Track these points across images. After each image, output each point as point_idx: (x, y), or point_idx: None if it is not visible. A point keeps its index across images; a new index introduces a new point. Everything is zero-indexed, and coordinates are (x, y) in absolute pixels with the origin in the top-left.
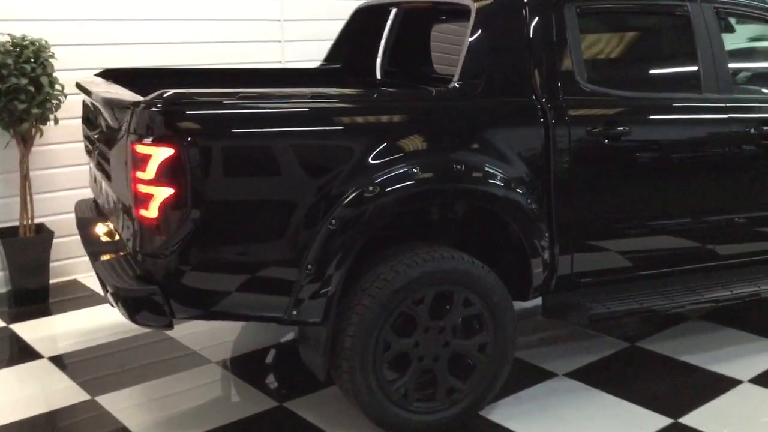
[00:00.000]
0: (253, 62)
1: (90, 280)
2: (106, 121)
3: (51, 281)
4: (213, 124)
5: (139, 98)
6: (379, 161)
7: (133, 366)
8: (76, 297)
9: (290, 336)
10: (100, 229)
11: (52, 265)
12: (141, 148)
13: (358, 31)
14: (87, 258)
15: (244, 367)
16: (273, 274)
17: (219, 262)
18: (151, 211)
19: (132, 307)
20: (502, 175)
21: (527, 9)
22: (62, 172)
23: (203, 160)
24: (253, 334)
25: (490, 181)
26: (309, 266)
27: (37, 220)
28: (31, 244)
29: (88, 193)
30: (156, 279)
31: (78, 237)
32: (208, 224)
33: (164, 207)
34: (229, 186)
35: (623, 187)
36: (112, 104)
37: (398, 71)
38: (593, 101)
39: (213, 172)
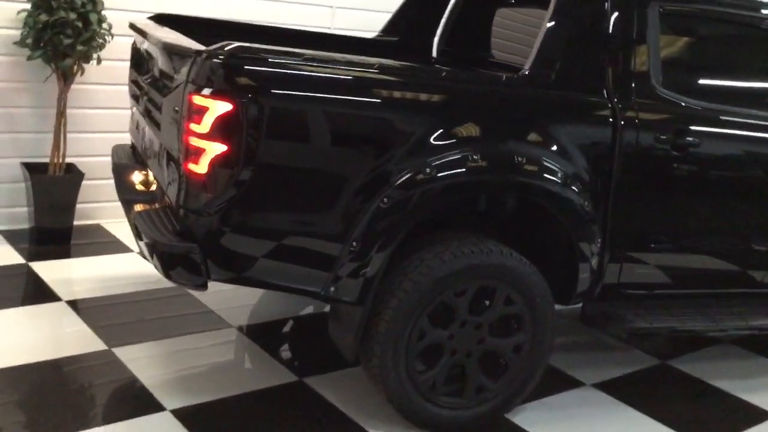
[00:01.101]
0: (302, 25)
1: (114, 226)
2: (160, 66)
3: (75, 223)
4: (276, 83)
5: (202, 47)
6: (437, 143)
7: (150, 319)
8: (99, 242)
9: (310, 309)
10: (137, 177)
11: (78, 206)
12: (198, 100)
13: (420, 6)
14: (114, 204)
15: (264, 335)
16: (316, 246)
17: (263, 227)
18: (201, 167)
19: (168, 262)
20: (560, 172)
21: (610, 2)
22: (99, 113)
23: (261, 120)
24: (274, 302)
25: (547, 176)
26: (354, 243)
27: (68, 160)
28: (59, 183)
29: (123, 138)
30: (196, 236)
31: (108, 182)
32: (257, 187)
33: (215, 163)
34: (285, 149)
35: (684, 201)
36: (170, 50)
37: (455, 52)
38: (665, 107)
39: (270, 133)
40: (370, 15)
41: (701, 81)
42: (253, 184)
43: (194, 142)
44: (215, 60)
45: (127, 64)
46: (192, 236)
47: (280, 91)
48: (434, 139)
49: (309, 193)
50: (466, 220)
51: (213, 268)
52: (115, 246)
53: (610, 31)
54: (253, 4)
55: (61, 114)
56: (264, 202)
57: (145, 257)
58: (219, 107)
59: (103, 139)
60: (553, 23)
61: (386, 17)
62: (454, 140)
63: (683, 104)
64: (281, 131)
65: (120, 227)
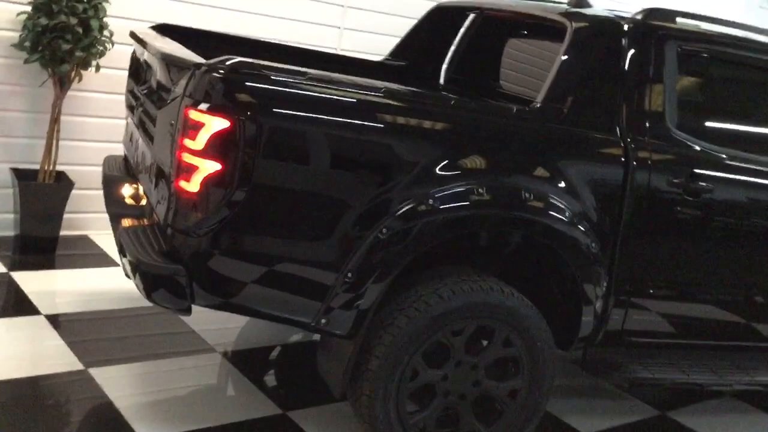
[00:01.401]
0: (309, 45)
1: (101, 238)
2: (157, 78)
3: (61, 233)
4: (277, 102)
5: (202, 60)
6: (441, 174)
7: (131, 338)
8: (85, 254)
9: (298, 337)
10: (127, 191)
11: (65, 216)
12: (194, 115)
13: (431, 31)
14: (103, 215)
15: (248, 361)
16: (309, 274)
17: (254, 251)
18: (192, 185)
19: (151, 283)
20: (567, 210)
21: (627, 39)
22: (94, 122)
23: (259, 139)
24: (261, 327)
25: (553, 213)
26: (349, 274)
27: (59, 168)
28: (48, 191)
29: (117, 149)
30: (183, 258)
31: (99, 193)
32: (250, 209)
33: (207, 182)
34: (282, 171)
35: (694, 247)
36: (169, 61)
37: (463, 80)
38: (679, 150)
39: (267, 154)
40: (379, 38)
41: (717, 125)
42: (246, 205)
43: (187, 158)
44: (215, 74)
45: (125, 74)
46: (178, 257)
47: (281, 111)
48: (438, 170)
49: (305, 218)
50: (467, 255)
51: (198, 292)
52: (100, 259)
53: (626, 68)
54: (261, 20)
55: (54, 120)
56: (257, 225)
57: (127, 275)
58: (215, 124)
59: (96, 149)
60: (567, 57)
61: (394, 41)
62: (458, 172)
63: (698, 148)
64: (279, 152)
65: (108, 240)
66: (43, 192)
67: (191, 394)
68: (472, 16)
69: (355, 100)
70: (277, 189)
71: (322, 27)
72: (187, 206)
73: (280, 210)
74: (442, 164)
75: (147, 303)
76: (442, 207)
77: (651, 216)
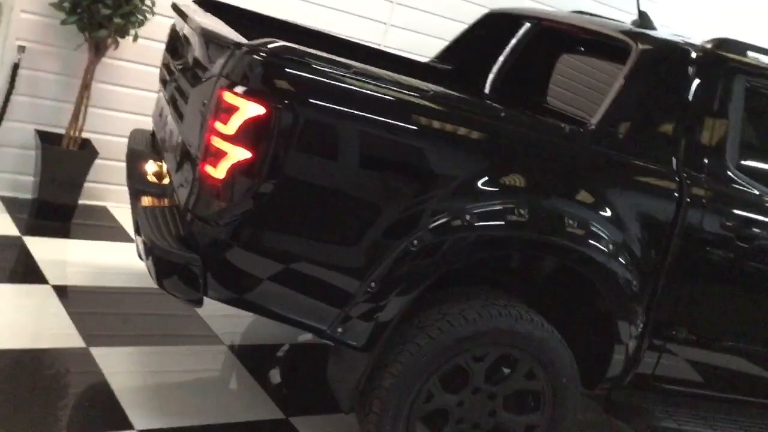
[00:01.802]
0: (353, 37)
1: (120, 211)
2: (194, 54)
3: (80, 201)
4: (318, 93)
5: (243, 40)
6: (482, 189)
7: (137, 320)
8: (101, 226)
9: (306, 337)
10: (150, 168)
11: (86, 185)
12: (229, 97)
13: (482, 37)
14: (124, 189)
15: (255, 358)
16: (332, 278)
17: (276, 248)
18: (219, 171)
19: (163, 269)
20: (608, 241)
21: (695, 68)
22: (125, 92)
23: (295, 130)
24: (270, 322)
25: (593, 243)
26: (372, 283)
27: (84, 135)
28: (71, 158)
29: (145, 122)
30: (199, 246)
31: (122, 165)
32: (277, 202)
33: (235, 170)
34: (315, 167)
35: (741, 297)
36: (209, 37)
37: (508, 91)
38: (738, 192)
39: (301, 146)
40: (424, 38)
41: None
42: (273, 199)
43: (216, 142)
44: (255, 56)
45: (162, 46)
46: (195, 245)
47: (321, 103)
48: (479, 184)
49: (334, 218)
50: (497, 276)
51: (212, 284)
52: (116, 233)
53: (691, 98)
54: (306, 7)
55: (86, 86)
56: (282, 220)
57: (140, 256)
58: (250, 109)
59: (124, 120)
60: (629, 79)
61: (439, 42)
62: (499, 189)
63: (756, 192)
64: (315, 146)
65: (126, 213)
66: (66, 158)
67: (191, 386)
68: (527, 25)
69: (399, 101)
70: (308, 185)
71: (368, 21)
72: (210, 193)
73: (308, 207)
74: (484, 179)
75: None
76: (478, 224)
77: (699, 258)
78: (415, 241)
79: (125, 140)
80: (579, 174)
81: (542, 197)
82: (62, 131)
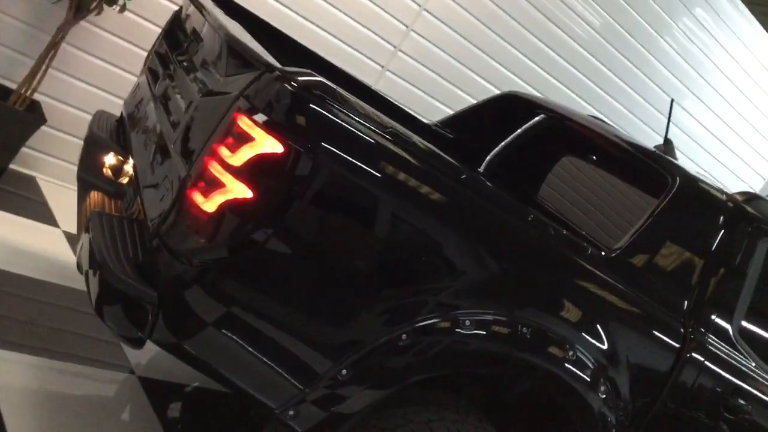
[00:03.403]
0: (360, 53)
1: (50, 187)
2: (209, 57)
3: (10, 166)
4: (345, 145)
5: (277, 63)
6: (489, 294)
7: (41, 322)
8: (26, 198)
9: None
10: (109, 160)
11: (22, 150)
12: (245, 123)
13: (492, 115)
14: (62, 164)
15: (160, 392)
16: (302, 353)
17: (249, 304)
18: (210, 204)
19: (108, 294)
20: (596, 374)
21: (725, 217)
22: (96, 63)
23: (309, 180)
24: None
25: (578, 372)
26: (344, 370)
27: (36, 96)
28: (15, 118)
29: (111, 103)
30: (160, 281)
31: (69, 139)
32: (266, 255)
33: (229, 207)
34: (320, 226)
35: None
36: (234, 46)
37: (501, 177)
38: (733, 357)
39: (311, 200)
40: (429, 77)
41: None
42: (262, 250)
43: (215, 170)
44: (287, 85)
45: (151, 26)
46: (154, 278)
47: (347, 157)
48: (487, 288)
49: (324, 287)
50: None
51: (160, 326)
52: (41, 212)
53: (712, 249)
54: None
55: (54, 45)
56: (265, 275)
57: (78, 266)
58: (267, 143)
59: (87, 93)
60: (662, 214)
61: (437, 79)
62: (508, 299)
63: (752, 363)
64: (326, 204)
65: (56, 191)
66: (10, 116)
67: (86, 410)
68: (542, 116)
69: (429, 177)
70: (304, 243)
71: (378, 41)
72: (192, 225)
73: (299, 268)
74: (494, 283)
75: (78, 286)
76: (477, 333)
77: (683, 418)
78: (404, 335)
79: (81, 114)
80: (589, 301)
81: (548, 319)
82: (13, 86)
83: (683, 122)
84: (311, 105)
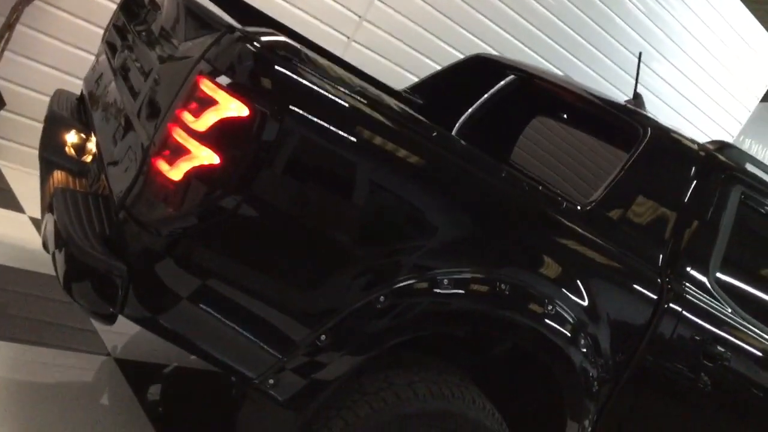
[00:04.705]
0: (324, 26)
1: (13, 174)
2: (168, 24)
3: None
4: (311, 106)
5: (238, 25)
6: (466, 252)
7: (13, 311)
8: None
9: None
10: (71, 138)
11: None
12: (207, 87)
13: (461, 78)
14: (25, 150)
15: (140, 374)
16: (278, 321)
17: (221, 273)
18: (175, 172)
19: (76, 270)
20: (576, 329)
21: (696, 168)
22: (53, 44)
23: (276, 143)
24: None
25: (558, 327)
26: (323, 336)
27: None
28: None
29: (69, 83)
30: (128, 253)
31: (29, 123)
32: (235, 221)
33: (195, 174)
34: (288, 190)
35: (700, 416)
36: (193, 10)
37: (473, 140)
38: (711, 306)
39: (279, 163)
40: (396, 45)
41: (757, 292)
42: (231, 216)
43: (180, 137)
44: (250, 46)
45: (108, 4)
46: (122, 251)
47: (313, 119)
48: (464, 246)
49: (297, 252)
50: (439, 343)
51: (131, 300)
52: (5, 198)
53: (686, 199)
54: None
55: (8, 26)
56: (235, 242)
57: (44, 245)
58: (231, 107)
59: (46, 74)
60: (634, 166)
61: (404, 48)
62: (481, 255)
63: (729, 309)
64: (295, 166)
65: (20, 177)
66: None
67: (62, 396)
68: (511, 77)
69: (400, 136)
70: (275, 209)
71: (344, 11)
72: (158, 194)
73: (270, 234)
74: (470, 241)
75: (47, 271)
76: (455, 293)
77: (662, 369)
78: (382, 298)
79: (41, 96)
80: (564, 253)
81: (524, 274)
82: None
83: (651, 83)
84: (276, 66)
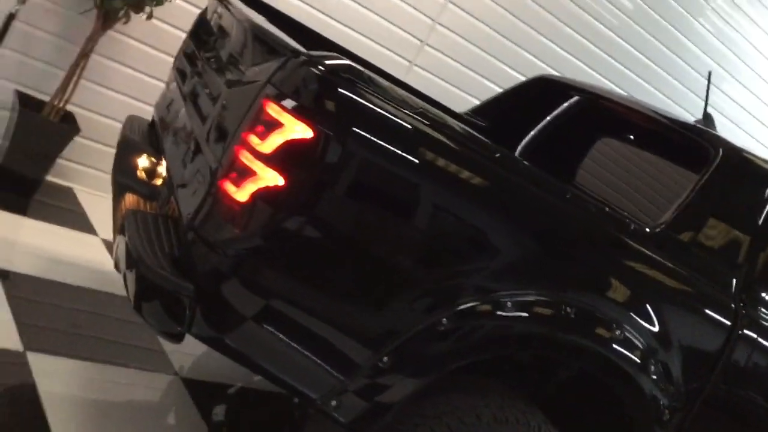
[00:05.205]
0: (386, 48)
1: (87, 197)
2: (235, 49)
3: (47, 178)
4: (375, 129)
5: (302, 49)
6: (531, 276)
7: (86, 330)
8: (64, 209)
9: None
10: (143, 163)
11: (57, 161)
12: (273, 110)
13: (525, 100)
14: (99, 174)
15: (205, 393)
16: (342, 343)
17: (285, 294)
18: (242, 193)
19: (146, 290)
20: (646, 354)
21: None
22: (126, 72)
23: (341, 165)
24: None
25: (627, 352)
26: (385, 358)
27: (69, 107)
28: (50, 129)
29: (140, 110)
30: (196, 274)
31: (103, 148)
32: (300, 243)
33: (261, 196)
34: (352, 212)
35: None
36: (259, 36)
37: (538, 161)
38: None
39: (343, 184)
40: (458, 69)
41: None
42: (296, 238)
43: (246, 159)
44: (314, 69)
45: (178, 32)
46: (190, 271)
47: (377, 140)
48: (529, 270)
49: (361, 274)
50: (500, 368)
51: (199, 320)
52: (79, 221)
53: (760, 222)
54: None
55: (84, 56)
56: (300, 264)
57: (116, 266)
58: (297, 129)
59: (119, 101)
60: (706, 187)
61: (465, 71)
62: (547, 279)
63: None
64: (359, 188)
65: (93, 201)
66: (44, 128)
67: (130, 414)
68: (576, 98)
69: (463, 158)
70: (338, 230)
71: (405, 36)
72: (225, 215)
73: (334, 255)
74: (534, 263)
75: (118, 292)
76: (519, 315)
77: (737, 397)
78: (445, 320)
79: (113, 123)
80: (635, 279)
81: (591, 299)
82: (46, 98)
83: (721, 104)
84: (339, 89)
